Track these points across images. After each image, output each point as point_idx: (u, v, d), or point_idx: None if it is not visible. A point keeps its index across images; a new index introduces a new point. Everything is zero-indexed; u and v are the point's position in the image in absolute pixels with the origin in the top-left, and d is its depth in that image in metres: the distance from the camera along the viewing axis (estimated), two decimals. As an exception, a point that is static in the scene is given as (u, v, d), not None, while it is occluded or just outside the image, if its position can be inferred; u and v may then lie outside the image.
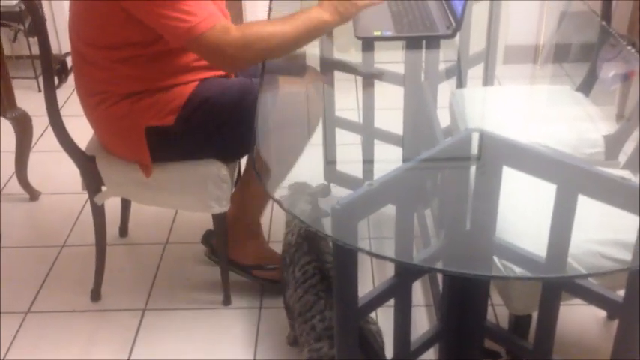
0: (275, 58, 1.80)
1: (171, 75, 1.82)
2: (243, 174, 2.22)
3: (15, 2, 3.14)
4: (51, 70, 1.85)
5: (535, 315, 1.57)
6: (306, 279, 1.73)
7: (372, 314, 1.66)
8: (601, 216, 1.42)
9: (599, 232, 1.50)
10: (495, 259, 1.49)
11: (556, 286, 1.47)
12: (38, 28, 1.81)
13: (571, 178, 1.32)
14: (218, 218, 1.99)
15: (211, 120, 1.84)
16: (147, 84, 1.81)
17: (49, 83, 1.86)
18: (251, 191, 2.03)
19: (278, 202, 1.38)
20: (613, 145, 1.86)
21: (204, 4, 1.67)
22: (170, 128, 1.83)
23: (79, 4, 1.77)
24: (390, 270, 1.51)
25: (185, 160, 1.90)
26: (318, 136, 2.18)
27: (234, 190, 2.05)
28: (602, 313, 2.00)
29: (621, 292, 1.40)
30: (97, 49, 1.78)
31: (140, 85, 1.81)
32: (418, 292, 2.09)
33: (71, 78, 2.00)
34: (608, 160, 1.84)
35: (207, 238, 2.16)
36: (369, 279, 2.11)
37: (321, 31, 1.79)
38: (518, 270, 1.45)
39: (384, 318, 1.78)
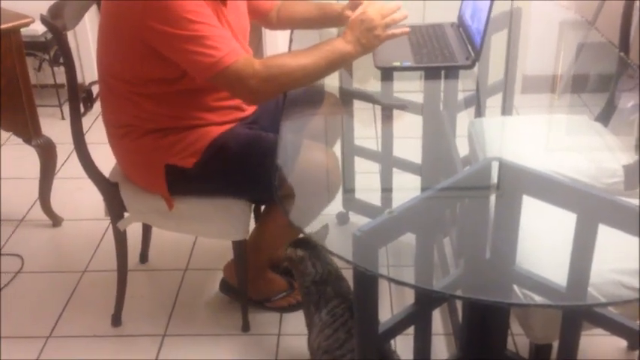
0: (298, 88, 1.83)
1: (196, 114, 1.85)
2: (263, 212, 2.24)
3: (40, 32, 3.22)
4: (77, 98, 1.89)
5: (555, 344, 1.57)
6: (335, 319, 1.73)
7: (391, 343, 1.67)
8: (622, 245, 1.42)
9: (619, 261, 1.49)
10: (515, 287, 1.49)
11: (576, 314, 1.47)
12: (65, 58, 1.86)
13: (591, 208, 1.32)
14: (238, 245, 2.00)
15: (229, 171, 1.86)
16: (171, 122, 1.84)
17: (75, 111, 1.89)
18: (270, 230, 2.04)
19: (303, 232, 1.40)
20: (632, 174, 1.86)
21: (228, 39, 1.70)
22: (188, 170, 1.85)
23: (104, 37, 1.82)
24: (408, 299, 1.51)
25: (203, 197, 1.92)
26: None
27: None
28: (622, 343, 1.98)
29: (642, 322, 1.40)
30: (122, 82, 1.82)
31: (165, 122, 1.84)
32: (437, 320, 2.08)
33: (96, 106, 2.04)
34: (627, 190, 1.84)
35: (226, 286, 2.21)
36: (387, 308, 2.11)
37: (344, 63, 1.82)
38: (538, 298, 1.45)
39: (403, 346, 1.78)
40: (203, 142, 1.85)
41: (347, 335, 1.68)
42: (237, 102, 1.90)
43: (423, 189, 2.12)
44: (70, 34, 1.89)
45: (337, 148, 2.24)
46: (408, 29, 1.84)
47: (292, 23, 2.14)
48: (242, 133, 1.90)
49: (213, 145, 1.85)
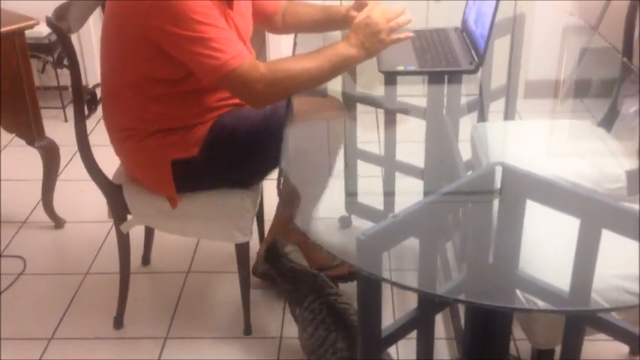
0: (302, 91, 1.83)
1: (199, 114, 1.86)
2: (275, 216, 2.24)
3: (44, 34, 3.22)
4: (82, 100, 1.89)
5: (558, 350, 1.57)
6: (314, 317, 1.76)
7: (393, 348, 1.67)
8: (625, 251, 1.42)
9: (622, 266, 1.49)
10: (518, 292, 1.49)
11: (579, 320, 1.47)
12: (70, 60, 1.86)
13: (595, 213, 1.33)
14: (241, 248, 2.00)
15: (234, 146, 1.87)
16: (174, 122, 1.85)
17: (80, 114, 1.90)
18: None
19: (304, 232, 1.40)
20: (635, 180, 1.86)
21: (234, 41, 1.71)
22: (195, 158, 1.86)
23: (109, 38, 1.82)
24: (410, 303, 1.51)
25: (209, 190, 1.93)
26: (339, 168, 2.20)
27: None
28: (625, 349, 1.98)
29: (645, 328, 1.39)
30: (125, 83, 1.82)
31: (168, 122, 1.84)
32: (439, 325, 2.08)
33: (100, 109, 2.05)
34: (630, 195, 1.84)
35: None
36: (390, 312, 2.11)
37: (348, 67, 1.82)
38: (541, 303, 1.45)
39: (405, 350, 1.78)
40: (204, 129, 1.86)
41: (326, 332, 1.71)
42: (238, 100, 1.90)
43: (425, 193, 2.11)
44: (73, 37, 1.89)
45: (340, 152, 2.24)
46: (411, 34, 1.84)
47: (298, 26, 2.15)
48: (242, 110, 1.90)
49: (213, 128, 1.86)
